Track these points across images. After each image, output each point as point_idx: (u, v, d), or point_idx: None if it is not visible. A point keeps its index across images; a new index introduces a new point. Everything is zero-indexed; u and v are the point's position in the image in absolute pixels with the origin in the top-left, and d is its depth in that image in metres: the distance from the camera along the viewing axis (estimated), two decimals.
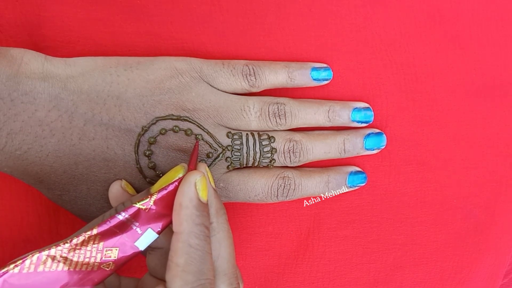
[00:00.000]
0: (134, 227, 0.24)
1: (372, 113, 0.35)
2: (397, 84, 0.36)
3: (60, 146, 0.29)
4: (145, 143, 0.30)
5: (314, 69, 0.34)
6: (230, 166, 0.32)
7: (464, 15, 0.36)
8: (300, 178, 0.33)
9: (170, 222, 0.25)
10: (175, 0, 0.33)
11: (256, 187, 0.33)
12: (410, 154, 0.36)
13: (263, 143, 0.32)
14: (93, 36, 0.33)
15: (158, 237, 0.25)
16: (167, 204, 0.25)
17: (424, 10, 0.35)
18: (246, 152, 0.32)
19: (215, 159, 0.32)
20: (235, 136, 0.32)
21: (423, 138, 0.36)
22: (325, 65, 0.34)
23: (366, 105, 0.35)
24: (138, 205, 0.24)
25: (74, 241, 0.23)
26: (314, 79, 0.34)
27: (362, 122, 0.35)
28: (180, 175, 0.25)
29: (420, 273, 0.38)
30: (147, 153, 0.30)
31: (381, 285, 0.37)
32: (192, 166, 0.26)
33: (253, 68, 0.32)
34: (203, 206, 0.25)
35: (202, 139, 0.31)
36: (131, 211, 0.24)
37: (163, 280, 0.25)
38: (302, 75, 0.33)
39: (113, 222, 0.24)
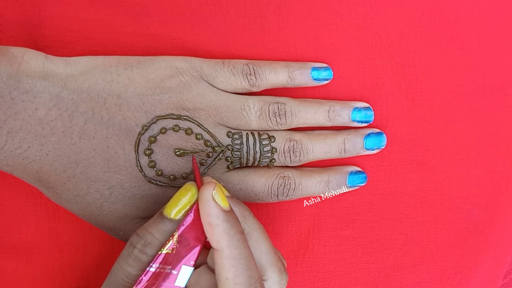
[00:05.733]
0: (169, 271, 0.24)
1: (372, 113, 0.35)
2: (397, 84, 0.36)
3: (60, 145, 0.29)
4: (146, 142, 0.30)
5: (314, 69, 0.34)
6: (230, 166, 0.32)
7: (464, 15, 0.36)
8: (300, 177, 0.33)
9: (201, 250, 0.25)
10: (175, 0, 0.33)
11: (256, 186, 0.33)
12: (410, 154, 0.36)
13: (263, 142, 0.32)
14: (93, 36, 0.33)
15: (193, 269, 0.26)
16: (191, 236, 0.25)
17: (424, 10, 0.35)
18: (246, 152, 0.32)
19: (215, 158, 0.32)
20: (235, 136, 0.32)
21: (423, 138, 0.36)
22: (325, 65, 0.34)
23: (366, 105, 0.35)
24: (164, 251, 0.24)
25: None
26: (315, 79, 0.34)
27: (362, 122, 0.35)
28: (192, 198, 0.26)
29: (420, 273, 0.38)
30: (147, 152, 0.30)
31: (381, 285, 0.37)
32: (199, 183, 0.26)
33: (253, 68, 0.32)
34: (231, 214, 0.25)
35: (202, 138, 0.31)
36: (160, 259, 0.24)
37: None
38: (303, 75, 0.33)
39: (148, 276, 0.24)
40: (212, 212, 0.24)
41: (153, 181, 0.30)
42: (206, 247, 0.27)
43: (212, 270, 0.30)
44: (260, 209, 0.36)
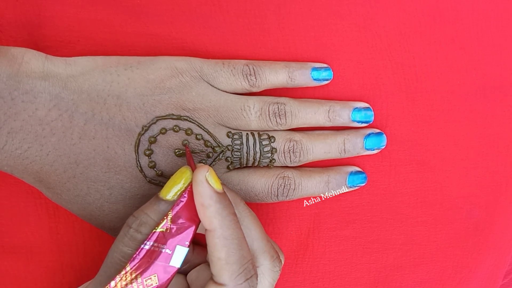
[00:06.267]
0: (163, 250, 0.25)
1: (372, 113, 0.35)
2: (397, 84, 0.36)
3: (61, 145, 0.29)
4: (145, 142, 0.30)
5: (314, 69, 0.34)
6: (230, 166, 0.32)
7: (464, 15, 0.36)
8: (300, 178, 0.33)
9: (195, 230, 0.25)
10: (175, 0, 0.33)
11: (256, 186, 0.33)
12: (410, 154, 0.36)
13: (263, 143, 0.32)
14: (93, 36, 0.33)
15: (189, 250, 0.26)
16: (185, 216, 0.25)
17: (424, 10, 0.35)
18: (246, 152, 0.32)
19: (215, 159, 0.32)
20: (235, 136, 0.32)
21: (423, 138, 0.36)
22: (325, 65, 0.34)
23: (366, 105, 0.35)
24: (158, 230, 0.25)
25: (112, 284, 0.24)
26: (315, 79, 0.34)
27: (362, 122, 0.35)
28: (187, 180, 0.26)
29: (420, 273, 0.38)
30: (147, 152, 0.30)
31: (381, 285, 0.37)
32: (193, 167, 0.26)
33: (253, 68, 0.32)
34: (223, 196, 0.25)
35: (202, 138, 0.31)
36: (154, 237, 0.25)
37: None
38: (303, 75, 0.33)
39: (142, 253, 0.24)
40: (205, 192, 0.25)
41: (153, 181, 0.31)
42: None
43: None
44: (260, 209, 0.36)
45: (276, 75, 0.33)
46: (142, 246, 0.24)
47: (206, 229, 0.25)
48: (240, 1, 0.34)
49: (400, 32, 0.35)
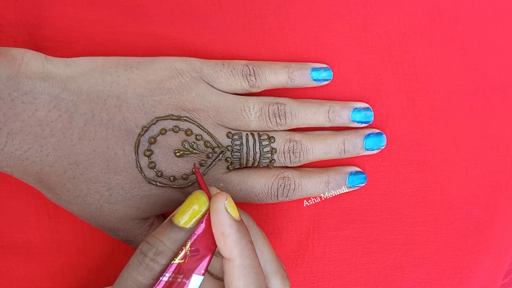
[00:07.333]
0: (180, 280, 0.25)
1: (372, 113, 0.35)
2: (397, 84, 0.36)
3: (60, 146, 0.29)
4: (145, 143, 0.30)
5: (314, 69, 0.34)
6: (230, 167, 0.32)
7: (464, 15, 0.36)
8: (300, 178, 0.33)
9: (211, 259, 0.26)
10: (175, 0, 0.33)
11: (256, 187, 0.33)
12: (410, 154, 0.36)
13: (263, 143, 0.32)
14: (93, 36, 0.33)
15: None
16: (202, 245, 0.25)
17: (424, 10, 0.35)
18: (246, 152, 0.32)
19: (215, 159, 0.32)
20: (235, 137, 0.32)
21: (423, 138, 0.36)
22: (325, 66, 0.34)
23: (366, 105, 0.35)
24: (177, 261, 0.25)
25: None
26: (314, 80, 0.34)
27: (362, 122, 0.35)
28: (203, 206, 0.26)
29: (420, 273, 0.38)
30: (147, 153, 0.30)
31: (381, 285, 0.37)
32: (206, 192, 0.26)
33: (253, 68, 0.32)
34: (241, 224, 0.26)
35: (202, 139, 0.31)
36: (173, 268, 0.25)
37: None
38: (302, 76, 0.33)
39: (161, 285, 0.24)
40: (225, 221, 0.25)
41: (153, 182, 0.31)
42: None
43: (212, 275, 0.30)
44: (260, 209, 0.36)
45: (276, 76, 0.33)
46: (161, 278, 0.24)
47: (223, 257, 0.25)
48: (240, 1, 0.34)
49: (400, 32, 0.35)
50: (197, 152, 0.31)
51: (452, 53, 0.36)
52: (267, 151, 0.32)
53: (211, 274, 0.30)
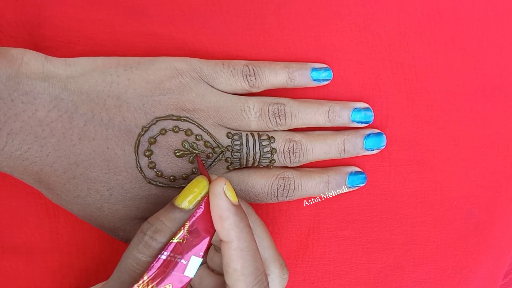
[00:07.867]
0: (179, 260, 0.25)
1: (372, 113, 0.35)
2: (397, 84, 0.36)
3: (60, 146, 0.29)
4: (145, 143, 0.30)
5: (314, 69, 0.34)
6: (230, 167, 0.32)
7: (464, 15, 0.36)
8: (300, 178, 0.33)
9: (210, 241, 0.26)
10: (175, 0, 0.33)
11: (256, 187, 0.33)
12: (410, 154, 0.36)
13: (263, 143, 0.32)
14: (93, 36, 0.33)
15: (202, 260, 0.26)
16: (201, 227, 0.26)
17: (424, 10, 0.35)
18: (246, 153, 0.32)
19: (215, 159, 0.32)
20: (235, 137, 0.32)
21: (423, 138, 0.36)
22: (325, 66, 0.34)
23: (366, 105, 0.35)
24: (175, 240, 0.25)
25: None
26: (314, 80, 0.34)
27: (362, 123, 0.35)
28: (203, 190, 0.26)
29: (420, 273, 0.38)
30: (147, 153, 0.30)
31: (381, 285, 0.37)
32: (208, 177, 0.27)
33: (253, 69, 0.32)
34: (239, 208, 0.26)
35: (202, 139, 0.31)
36: (171, 247, 0.25)
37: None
38: (302, 76, 0.33)
39: (159, 263, 0.25)
40: (223, 205, 0.25)
41: (153, 182, 0.31)
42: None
43: (213, 271, 0.30)
44: (260, 209, 0.36)
45: (276, 76, 0.33)
46: (159, 256, 0.25)
47: (221, 240, 0.26)
48: (240, 1, 0.34)
49: (400, 32, 0.35)
50: (197, 152, 0.31)
51: (452, 53, 0.36)
52: (267, 151, 0.32)
53: (212, 270, 0.30)
